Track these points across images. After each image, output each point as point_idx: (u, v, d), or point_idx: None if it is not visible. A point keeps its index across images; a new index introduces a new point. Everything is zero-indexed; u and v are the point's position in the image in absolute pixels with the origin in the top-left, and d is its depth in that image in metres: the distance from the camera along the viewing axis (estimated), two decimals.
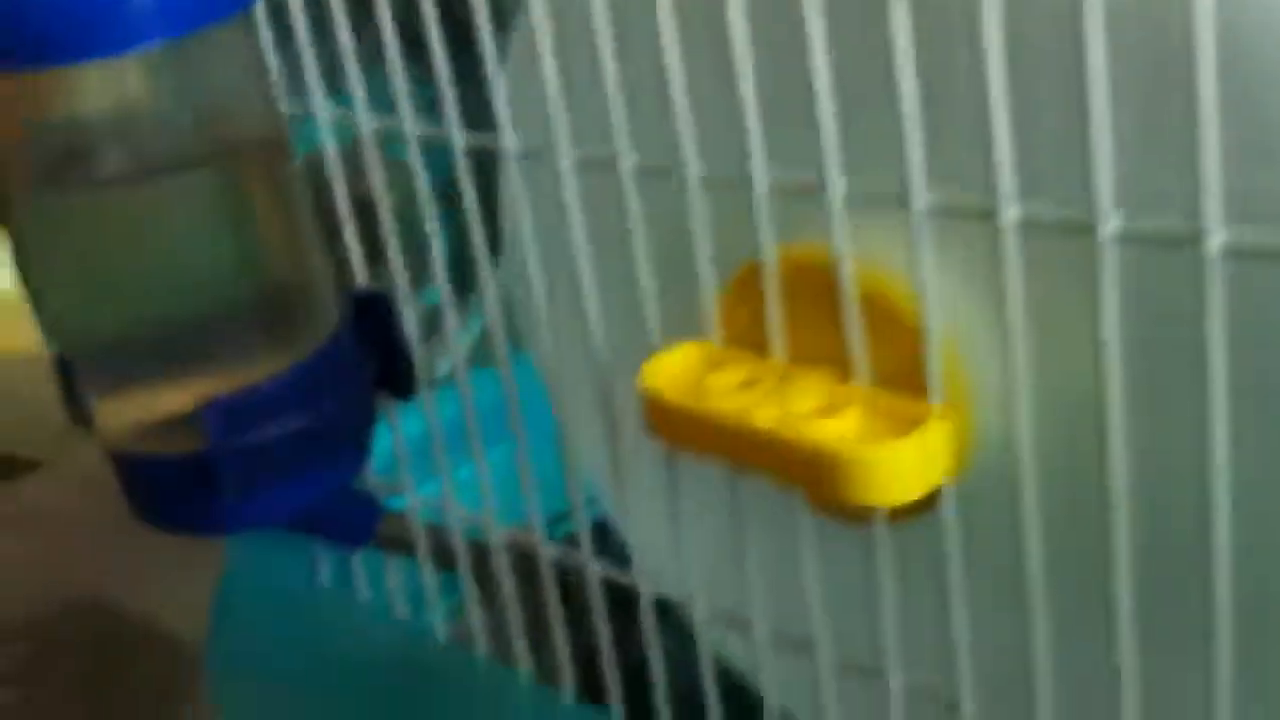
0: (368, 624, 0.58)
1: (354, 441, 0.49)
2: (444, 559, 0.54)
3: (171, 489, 0.46)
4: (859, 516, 0.35)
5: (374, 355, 0.50)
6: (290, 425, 0.46)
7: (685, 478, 0.41)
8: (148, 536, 0.49)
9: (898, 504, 0.32)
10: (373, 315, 0.50)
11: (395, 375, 0.50)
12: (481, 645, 0.53)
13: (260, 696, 0.58)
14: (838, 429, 0.32)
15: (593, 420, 0.44)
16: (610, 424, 0.43)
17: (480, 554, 0.52)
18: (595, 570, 0.45)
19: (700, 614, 0.43)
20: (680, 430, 0.36)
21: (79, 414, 0.46)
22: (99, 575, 0.69)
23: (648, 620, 0.43)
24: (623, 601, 0.44)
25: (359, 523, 0.53)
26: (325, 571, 0.59)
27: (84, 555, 0.71)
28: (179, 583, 0.67)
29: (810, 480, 0.32)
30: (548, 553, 0.47)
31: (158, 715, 0.66)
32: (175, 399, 0.45)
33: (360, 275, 0.52)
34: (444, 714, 0.54)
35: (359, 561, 0.59)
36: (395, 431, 0.53)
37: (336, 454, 0.48)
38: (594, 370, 0.42)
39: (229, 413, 0.44)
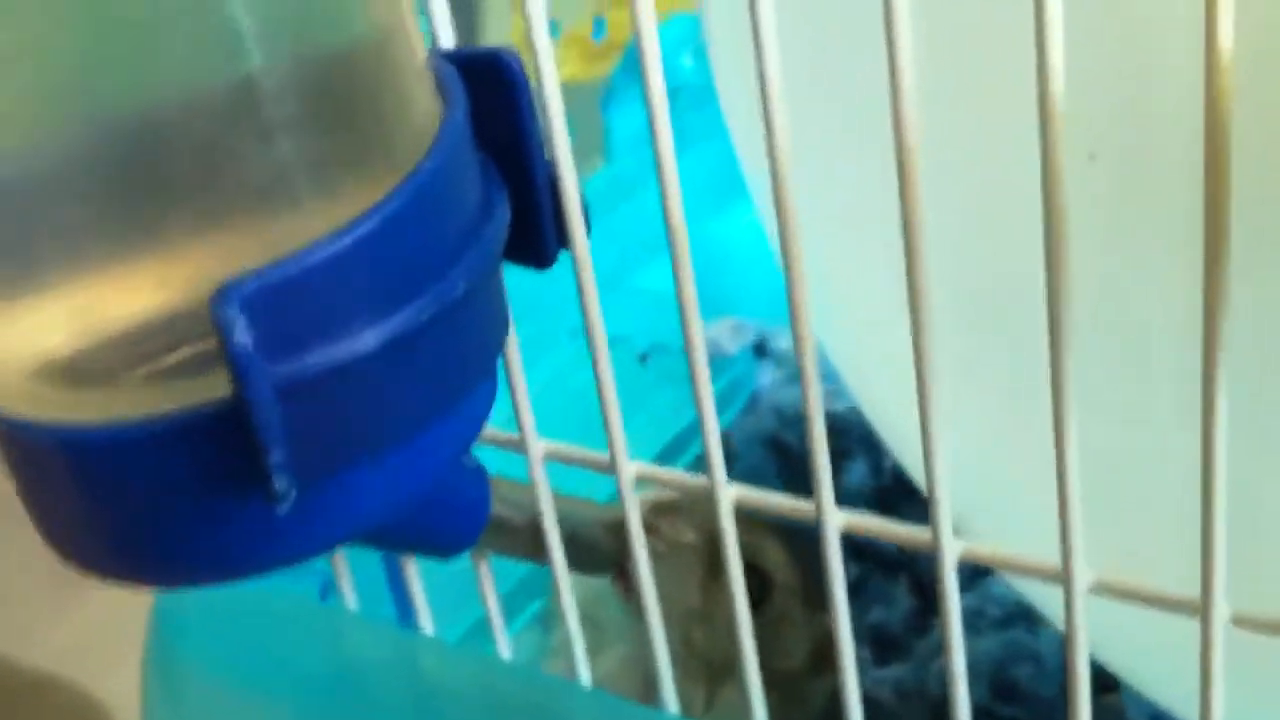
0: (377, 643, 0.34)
1: (485, 358, 0.25)
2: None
3: (153, 494, 0.22)
4: None
5: (505, 180, 0.26)
6: (382, 329, 0.22)
7: None
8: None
9: None
10: (494, 96, 0.26)
11: (535, 219, 0.27)
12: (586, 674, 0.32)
13: None
14: None
15: None
16: None
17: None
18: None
19: None
20: None
21: None
22: None
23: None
24: None
25: (467, 515, 0.30)
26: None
27: None
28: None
29: None
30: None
31: None
32: (152, 291, 0.21)
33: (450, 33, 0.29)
34: None
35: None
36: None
37: (463, 385, 0.24)
38: None
39: (272, 309, 0.21)
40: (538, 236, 0.27)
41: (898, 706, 0.43)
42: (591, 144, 0.62)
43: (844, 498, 0.51)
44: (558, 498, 0.32)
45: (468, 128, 0.25)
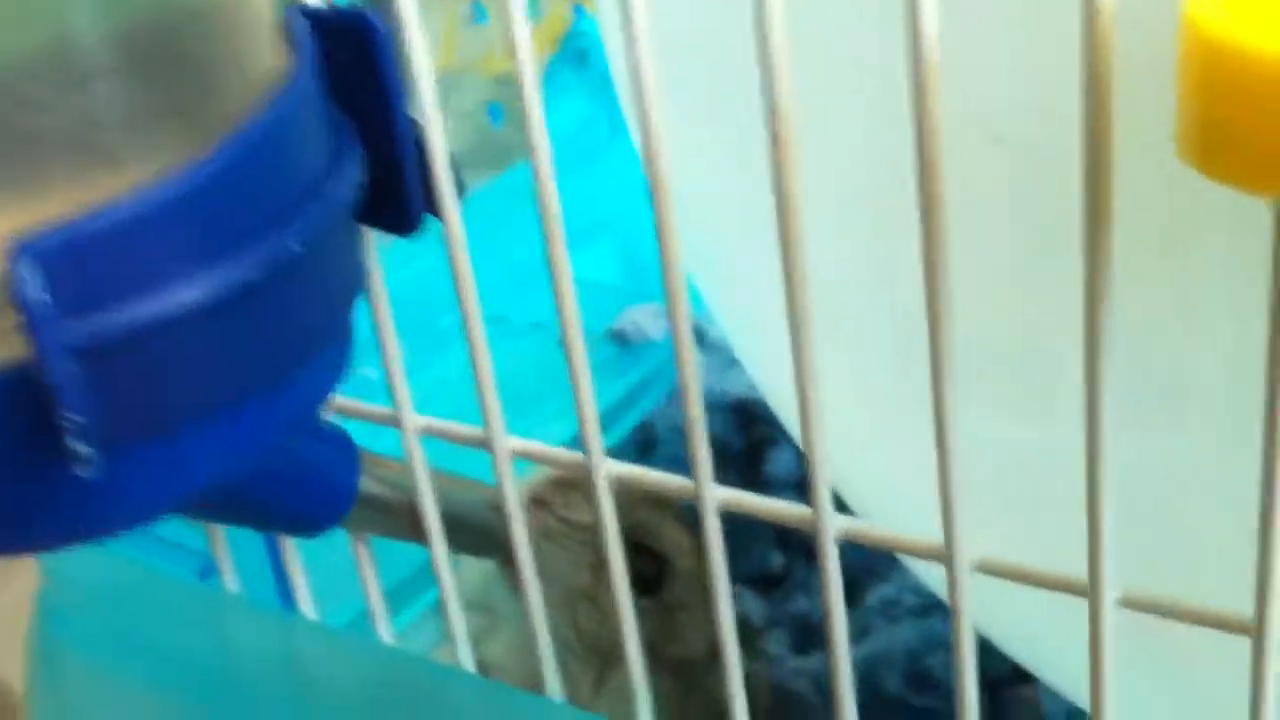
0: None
1: (329, 323, 0.24)
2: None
3: None
4: None
5: (361, 143, 0.25)
6: (202, 287, 0.21)
7: None
8: None
9: None
10: (356, 55, 0.25)
11: (397, 181, 0.26)
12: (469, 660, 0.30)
13: None
14: None
15: None
16: None
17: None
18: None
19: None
20: None
21: None
22: None
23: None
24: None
25: (328, 491, 0.29)
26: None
27: None
28: None
29: None
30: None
31: None
32: None
33: None
34: None
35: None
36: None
37: (302, 350, 0.23)
38: None
39: (74, 265, 0.20)
40: (400, 201, 0.26)
41: (814, 697, 0.42)
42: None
43: (772, 486, 0.50)
44: (443, 477, 0.31)
45: (313, 84, 0.23)
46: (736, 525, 0.46)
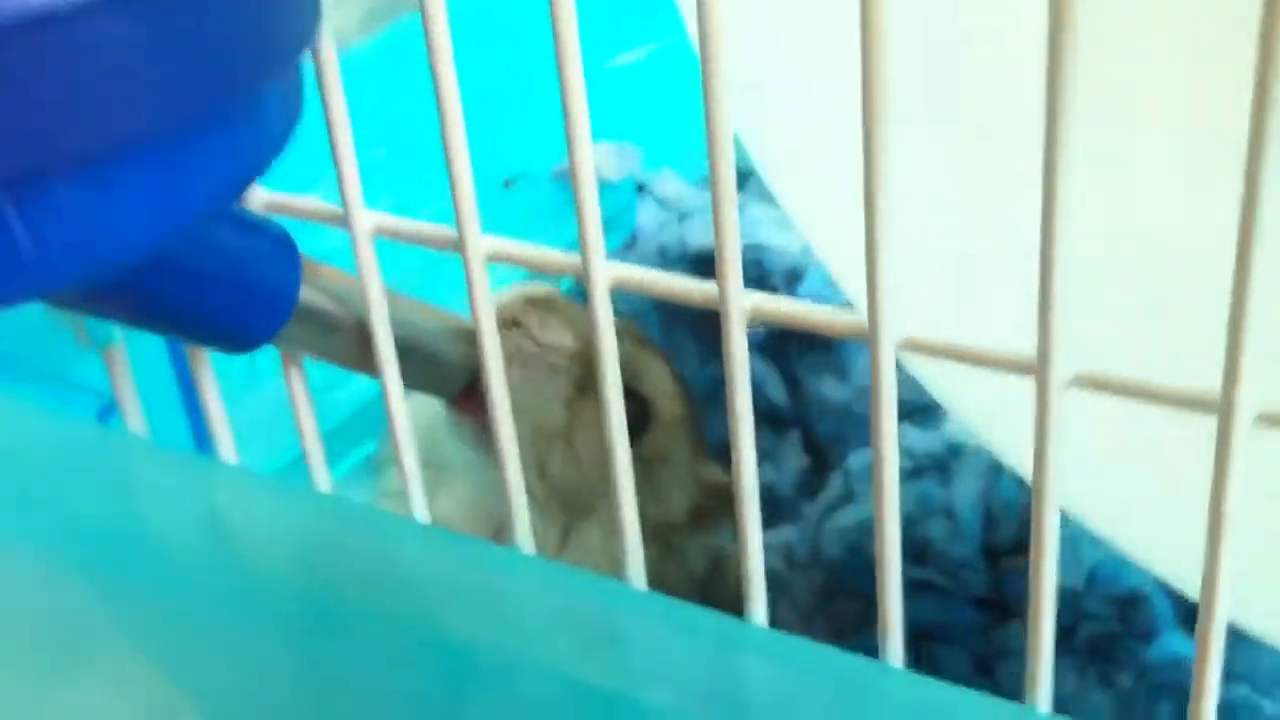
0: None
1: (271, 52, 0.19)
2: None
3: None
4: None
5: None
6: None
7: None
8: None
9: None
10: None
11: None
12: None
13: None
14: None
15: None
16: None
17: None
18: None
19: None
20: None
21: None
22: None
23: None
24: None
25: (266, 292, 0.24)
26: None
27: None
28: None
29: None
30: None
31: None
32: None
33: None
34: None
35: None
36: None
37: (234, 83, 0.18)
38: None
39: None
40: None
41: (787, 574, 0.38)
42: None
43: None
44: (396, 296, 0.26)
45: None
46: (706, 392, 0.41)
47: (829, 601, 0.36)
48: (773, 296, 0.22)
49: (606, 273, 0.23)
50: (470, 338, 0.30)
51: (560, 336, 0.32)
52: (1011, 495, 0.34)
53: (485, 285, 0.24)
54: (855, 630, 0.36)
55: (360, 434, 0.36)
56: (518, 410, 0.26)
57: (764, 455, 0.43)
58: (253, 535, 0.27)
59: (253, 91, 0.19)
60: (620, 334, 0.34)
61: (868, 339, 0.21)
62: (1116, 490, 0.28)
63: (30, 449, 0.30)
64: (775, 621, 0.39)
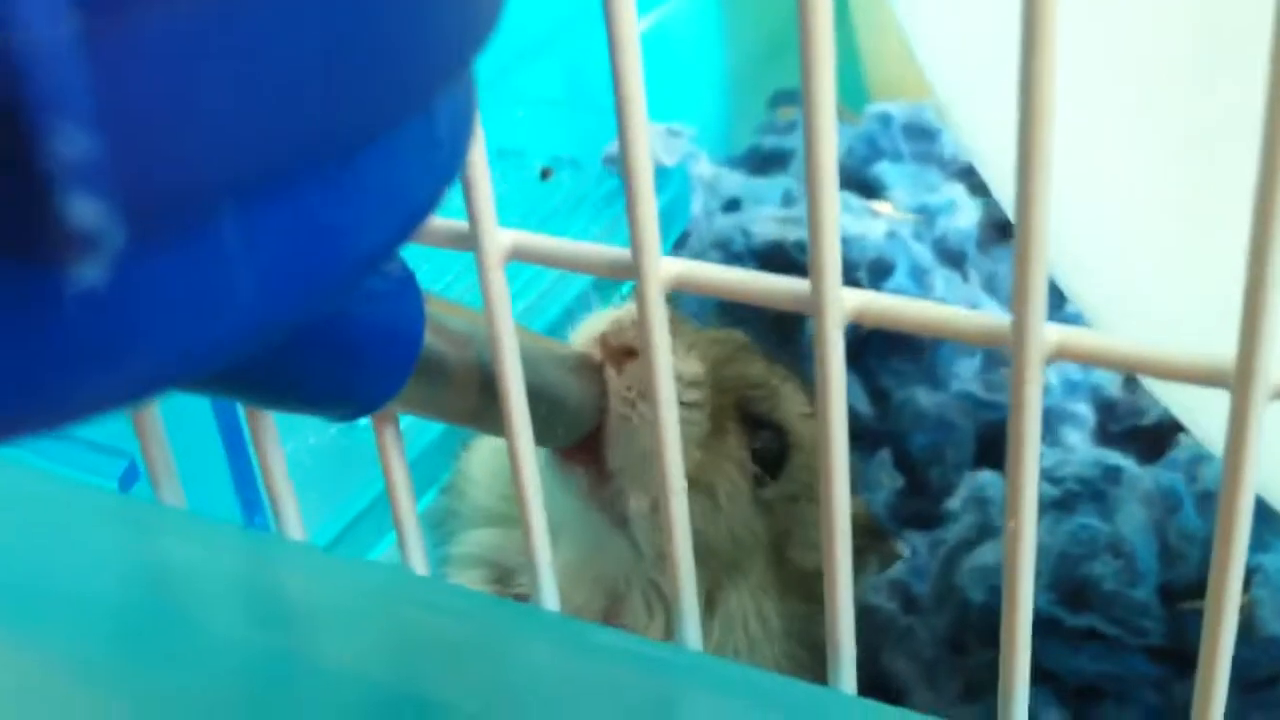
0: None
1: (442, 52, 0.13)
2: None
3: None
4: None
5: None
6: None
7: None
8: None
9: None
10: None
11: None
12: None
13: None
14: None
15: None
16: None
17: None
18: None
19: None
20: None
21: None
22: None
23: None
24: None
25: (389, 346, 0.18)
26: None
27: None
28: None
29: None
30: None
31: None
32: None
33: None
34: None
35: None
36: None
37: (406, 101, 0.13)
38: None
39: None
40: None
41: (903, 619, 0.33)
42: None
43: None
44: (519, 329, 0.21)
45: None
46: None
47: (959, 653, 0.31)
48: (879, 296, 0.18)
49: (664, 270, 0.18)
50: (588, 370, 0.25)
51: (688, 365, 0.27)
52: (1191, 526, 0.29)
53: (660, 303, 0.19)
54: (991, 687, 0.31)
55: (418, 484, 0.31)
56: (644, 455, 0.21)
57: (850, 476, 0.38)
58: (338, 631, 0.21)
59: (465, 73, 0.14)
60: (743, 353, 0.29)
61: (1014, 348, 0.17)
62: None
63: (40, 521, 0.24)
64: (892, 676, 0.34)
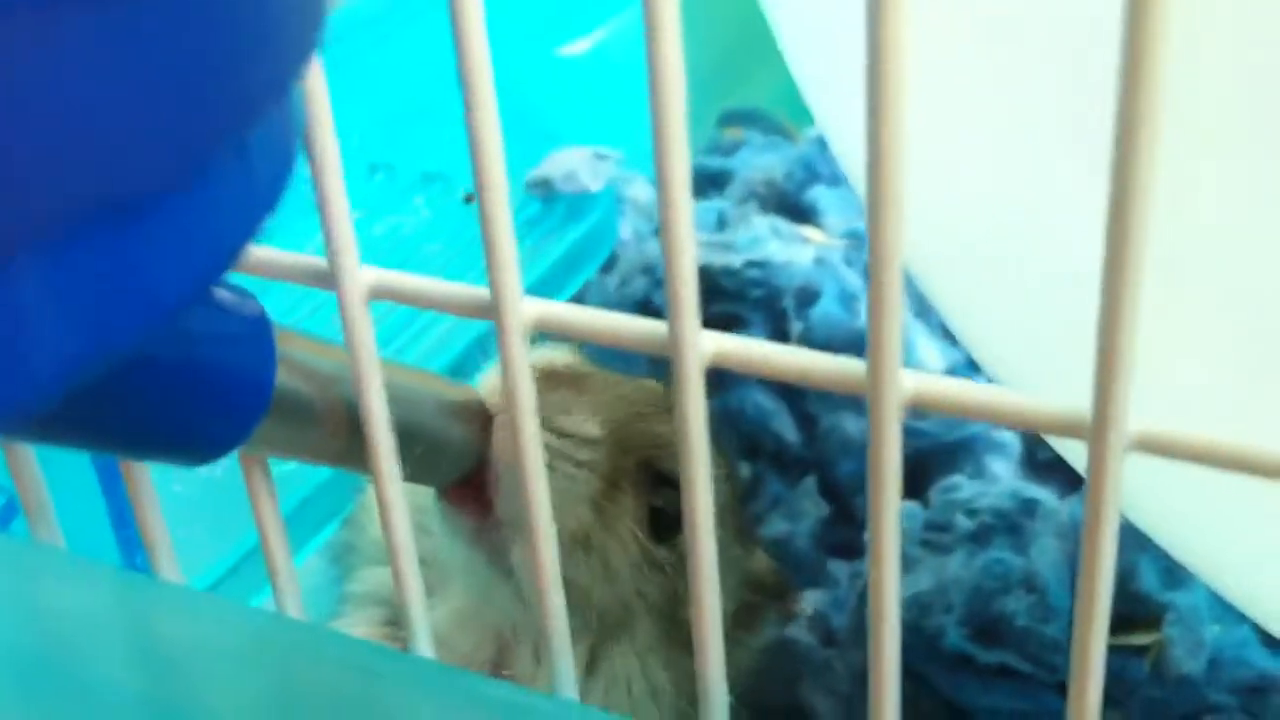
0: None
1: (271, 71, 0.13)
2: None
3: None
4: None
5: None
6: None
7: None
8: None
9: None
10: None
11: None
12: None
13: None
14: None
15: None
16: None
17: None
18: None
19: None
20: None
21: None
22: None
23: None
24: None
25: (237, 387, 0.17)
26: None
27: None
28: None
29: None
30: None
31: None
32: None
33: None
34: None
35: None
36: None
37: (235, 119, 0.12)
38: None
39: None
40: None
41: (821, 652, 0.32)
42: None
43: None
44: (385, 367, 0.20)
45: None
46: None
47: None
48: (745, 341, 0.17)
49: (525, 312, 0.18)
50: (473, 414, 0.24)
51: (586, 426, 0.26)
52: None
53: (523, 349, 0.18)
54: None
55: (311, 519, 0.30)
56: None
57: (775, 503, 0.38)
58: (213, 679, 0.21)
59: (285, 101, 0.13)
60: (653, 409, 0.28)
61: (869, 396, 0.16)
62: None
63: None
64: (809, 710, 0.34)
